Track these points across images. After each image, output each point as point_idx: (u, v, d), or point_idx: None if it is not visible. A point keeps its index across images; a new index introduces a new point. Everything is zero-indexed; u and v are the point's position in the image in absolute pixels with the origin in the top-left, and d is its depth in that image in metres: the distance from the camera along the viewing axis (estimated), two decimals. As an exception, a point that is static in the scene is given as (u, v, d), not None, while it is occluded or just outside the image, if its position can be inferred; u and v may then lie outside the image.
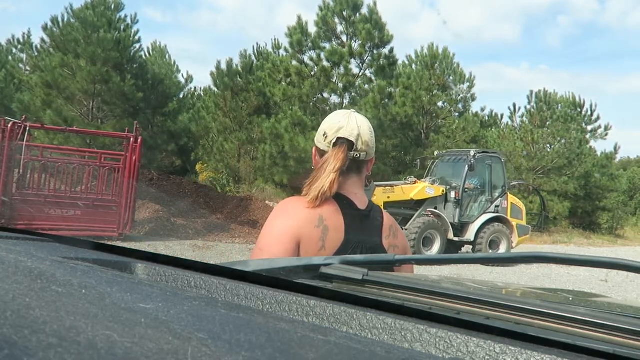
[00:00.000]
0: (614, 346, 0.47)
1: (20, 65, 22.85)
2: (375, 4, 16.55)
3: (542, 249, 14.39)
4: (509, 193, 11.26)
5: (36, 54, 18.81)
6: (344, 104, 17.15)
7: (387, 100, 16.95)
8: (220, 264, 0.72)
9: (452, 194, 10.47)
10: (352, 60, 16.91)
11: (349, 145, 1.29)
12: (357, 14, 16.64)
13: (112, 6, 16.36)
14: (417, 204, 10.29)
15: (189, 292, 0.56)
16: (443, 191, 10.47)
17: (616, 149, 24.77)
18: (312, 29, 16.99)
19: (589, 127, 24.49)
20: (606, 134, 24.53)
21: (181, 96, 21.32)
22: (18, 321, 0.32)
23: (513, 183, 20.87)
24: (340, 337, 0.44)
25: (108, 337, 0.32)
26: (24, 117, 9.54)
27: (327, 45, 16.81)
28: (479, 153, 10.80)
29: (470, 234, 10.45)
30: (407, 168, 19.29)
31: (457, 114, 21.09)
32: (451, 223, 10.36)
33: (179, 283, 0.63)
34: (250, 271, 0.70)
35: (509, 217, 10.98)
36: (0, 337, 0.29)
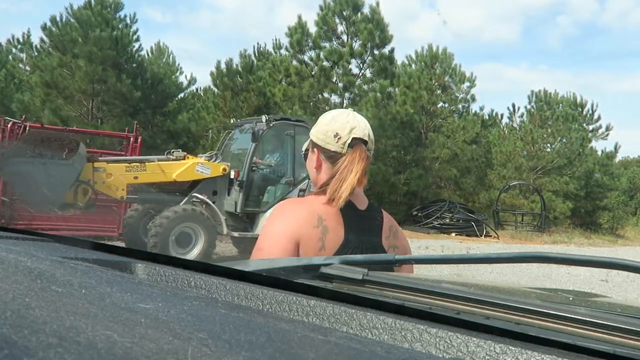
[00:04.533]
0: (614, 346, 0.47)
1: (20, 65, 22.84)
2: (378, 4, 16.57)
3: (542, 249, 14.39)
4: None
5: (36, 53, 18.82)
6: (344, 104, 17.16)
7: (387, 100, 16.95)
8: (220, 264, 0.72)
9: (233, 174, 8.08)
10: (352, 60, 16.92)
11: (364, 144, 1.31)
12: (358, 14, 16.65)
13: (112, 6, 16.37)
14: (189, 187, 7.95)
15: (189, 292, 0.56)
16: (225, 170, 8.02)
17: (617, 148, 24.84)
18: (313, 29, 17.02)
19: (590, 127, 24.56)
20: (607, 134, 24.60)
21: (181, 96, 21.32)
22: (18, 321, 0.32)
23: (513, 183, 20.99)
24: (340, 337, 0.44)
25: (108, 337, 0.32)
26: (23, 116, 9.54)
27: (327, 45, 16.82)
28: (275, 120, 8.47)
29: (259, 228, 7.83)
30: (407, 168, 19.30)
31: (456, 114, 21.09)
32: (232, 213, 8.04)
33: (179, 283, 0.63)
34: (250, 271, 0.70)
35: None
36: (0, 337, 0.29)
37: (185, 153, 8.13)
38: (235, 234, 7.88)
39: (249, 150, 8.12)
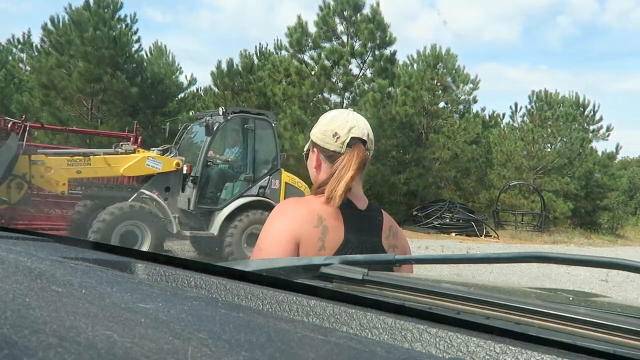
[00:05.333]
0: (614, 346, 0.47)
1: (20, 65, 22.85)
2: (378, 4, 16.57)
3: (542, 249, 14.38)
4: (283, 170, 8.34)
5: (36, 54, 18.83)
6: (344, 104, 17.16)
7: (387, 100, 16.95)
8: (220, 264, 0.72)
9: (185, 169, 7.54)
10: (353, 60, 16.92)
11: (363, 144, 1.31)
12: (358, 14, 16.65)
13: (111, 6, 16.38)
14: (142, 182, 7.45)
15: (189, 292, 0.56)
16: (179, 165, 7.47)
17: (617, 149, 24.86)
18: (313, 29, 17.02)
19: (591, 128, 24.57)
20: (608, 135, 24.60)
21: (181, 96, 21.32)
22: (18, 321, 0.32)
23: (513, 183, 20.98)
24: (340, 337, 0.44)
25: (108, 337, 0.32)
26: (23, 116, 9.53)
27: (328, 45, 16.83)
28: (234, 113, 7.96)
29: (214, 227, 7.48)
30: (407, 168, 19.29)
31: (457, 114, 21.09)
32: (185, 211, 7.53)
33: (179, 283, 0.63)
34: (250, 271, 0.70)
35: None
36: (0, 337, 0.29)
37: (135, 146, 7.70)
38: (187, 233, 7.37)
39: (203, 145, 7.66)
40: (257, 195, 7.84)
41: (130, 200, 6.98)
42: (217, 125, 7.57)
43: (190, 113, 9.10)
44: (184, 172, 7.49)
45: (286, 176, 8.24)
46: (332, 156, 1.31)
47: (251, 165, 7.94)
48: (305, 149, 1.42)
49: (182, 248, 8.90)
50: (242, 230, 7.46)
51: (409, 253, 1.48)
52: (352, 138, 1.30)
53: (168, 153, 7.82)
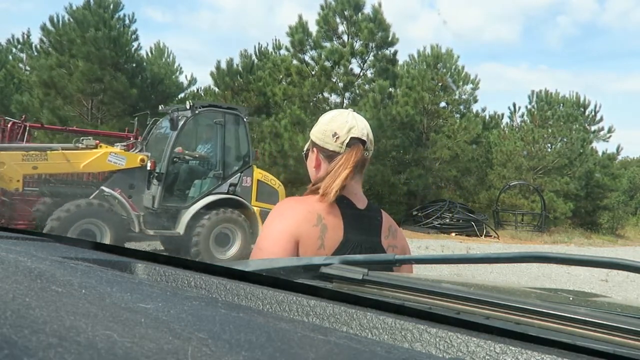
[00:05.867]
0: (614, 346, 0.47)
1: (20, 65, 22.86)
2: (380, 4, 16.57)
3: (542, 249, 14.38)
4: (255, 167, 8.01)
5: (36, 53, 18.84)
6: (344, 104, 17.16)
7: (387, 100, 16.95)
8: (220, 264, 0.72)
9: (149, 165, 7.19)
10: (353, 60, 16.92)
11: (362, 144, 1.33)
12: (359, 14, 16.65)
13: (111, 6, 16.39)
14: (105, 179, 7.15)
15: (189, 292, 0.56)
16: (143, 161, 7.17)
17: (618, 150, 24.89)
18: (313, 29, 17.02)
19: (592, 128, 24.57)
20: (609, 136, 24.60)
21: (181, 96, 21.31)
22: (18, 321, 0.32)
23: (513, 183, 20.97)
24: (340, 337, 0.44)
25: (108, 337, 0.32)
26: (23, 116, 9.54)
27: (328, 45, 16.82)
28: (202, 107, 7.66)
29: (181, 226, 7.18)
30: (407, 168, 19.29)
31: (457, 114, 21.08)
32: (150, 209, 7.20)
33: (179, 283, 0.63)
34: (250, 271, 0.70)
35: (253, 201, 7.77)
36: (0, 337, 0.29)
37: (97, 141, 7.37)
38: (151, 232, 7.05)
39: (169, 140, 7.35)
40: (227, 193, 7.58)
41: (90, 197, 6.72)
42: (185, 120, 7.32)
43: (160, 107, 8.72)
44: (148, 168, 7.19)
45: (258, 173, 7.98)
46: (331, 156, 1.32)
47: (221, 161, 7.65)
48: (305, 148, 1.42)
49: (154, 248, 8.78)
50: (210, 229, 7.21)
51: (409, 253, 1.48)
52: (351, 138, 1.31)
53: (134, 149, 7.51)
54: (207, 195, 7.45)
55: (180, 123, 7.21)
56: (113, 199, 6.90)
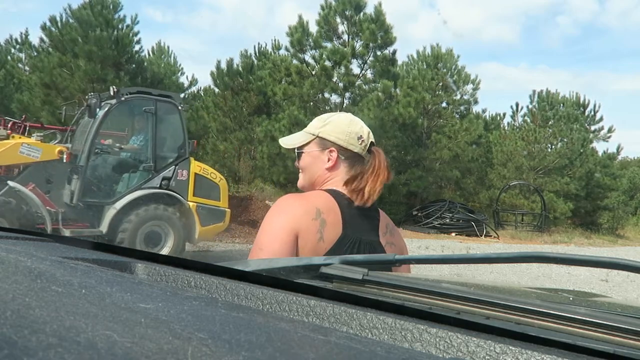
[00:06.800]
0: (614, 346, 0.47)
1: (20, 65, 22.86)
2: (380, 4, 16.57)
3: (542, 249, 14.38)
4: (192, 159, 7.43)
5: (35, 53, 18.83)
6: (345, 104, 17.16)
7: (388, 100, 16.95)
8: (220, 264, 0.72)
9: (65, 158, 6.58)
10: (354, 60, 16.92)
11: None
12: (361, 14, 16.65)
13: (111, 6, 16.40)
14: (20, 172, 6.57)
15: (189, 292, 0.57)
16: (62, 152, 6.60)
17: (618, 150, 24.87)
18: (313, 29, 17.02)
19: (593, 128, 24.57)
20: (609, 136, 24.60)
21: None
22: (18, 321, 0.32)
23: (513, 183, 20.97)
24: (340, 337, 0.44)
25: (108, 337, 0.32)
26: (23, 116, 9.53)
27: (329, 45, 16.83)
28: (130, 93, 7.01)
29: (104, 224, 6.56)
30: (408, 168, 19.28)
31: (457, 115, 21.07)
32: (70, 205, 6.61)
33: (179, 283, 0.63)
34: (250, 271, 0.70)
35: (190, 196, 7.15)
36: (0, 337, 0.29)
37: (9, 132, 6.83)
38: (67, 232, 6.36)
39: (88, 129, 6.72)
40: (160, 187, 6.96)
41: None
42: (109, 108, 6.73)
43: (88, 95, 8.02)
44: (64, 160, 6.60)
45: (196, 166, 7.35)
46: (352, 157, 1.36)
47: (152, 153, 7.01)
48: (300, 143, 1.41)
49: None
50: (137, 228, 6.59)
51: (406, 251, 1.50)
52: (371, 142, 1.38)
53: (55, 140, 6.94)
54: (136, 190, 6.84)
55: (103, 111, 6.67)
56: (23, 194, 6.29)
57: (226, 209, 7.62)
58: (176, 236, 6.91)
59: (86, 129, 6.97)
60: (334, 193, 1.31)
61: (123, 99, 6.84)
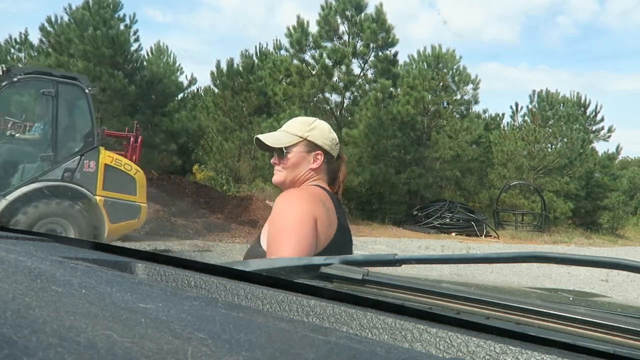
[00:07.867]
0: (614, 346, 0.47)
1: (19, 65, 22.86)
2: (381, 4, 16.59)
3: (542, 249, 14.37)
4: (103, 149, 6.69)
5: (35, 53, 18.84)
6: (345, 104, 17.17)
7: (388, 100, 16.95)
8: (220, 264, 0.72)
9: None
10: (354, 60, 16.92)
11: None
12: (362, 14, 16.66)
13: (110, 5, 16.41)
14: None
15: (189, 292, 0.57)
16: None
17: (618, 150, 24.87)
18: (313, 29, 17.03)
19: (593, 128, 24.57)
20: (609, 136, 24.60)
21: (181, 96, 21.32)
22: (18, 321, 0.32)
23: (513, 183, 20.97)
24: (340, 337, 0.44)
25: (108, 337, 0.32)
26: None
27: (329, 45, 16.84)
28: (25, 73, 6.28)
29: None
30: (408, 167, 19.29)
31: (457, 114, 21.06)
32: None
33: (179, 283, 0.63)
34: (250, 271, 0.70)
35: (98, 190, 6.39)
36: (0, 337, 0.29)
37: None
38: None
39: None
40: (62, 180, 6.23)
41: None
42: None
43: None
44: None
45: (107, 157, 6.60)
46: (330, 160, 1.55)
47: (52, 141, 6.26)
48: (289, 144, 1.51)
49: (154, 248, 8.86)
50: (31, 224, 5.87)
51: None
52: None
53: None
54: (32, 182, 6.11)
55: None
56: None
57: (142, 204, 6.85)
58: (78, 234, 6.16)
59: None
60: (322, 188, 1.49)
61: (15, 79, 6.08)
